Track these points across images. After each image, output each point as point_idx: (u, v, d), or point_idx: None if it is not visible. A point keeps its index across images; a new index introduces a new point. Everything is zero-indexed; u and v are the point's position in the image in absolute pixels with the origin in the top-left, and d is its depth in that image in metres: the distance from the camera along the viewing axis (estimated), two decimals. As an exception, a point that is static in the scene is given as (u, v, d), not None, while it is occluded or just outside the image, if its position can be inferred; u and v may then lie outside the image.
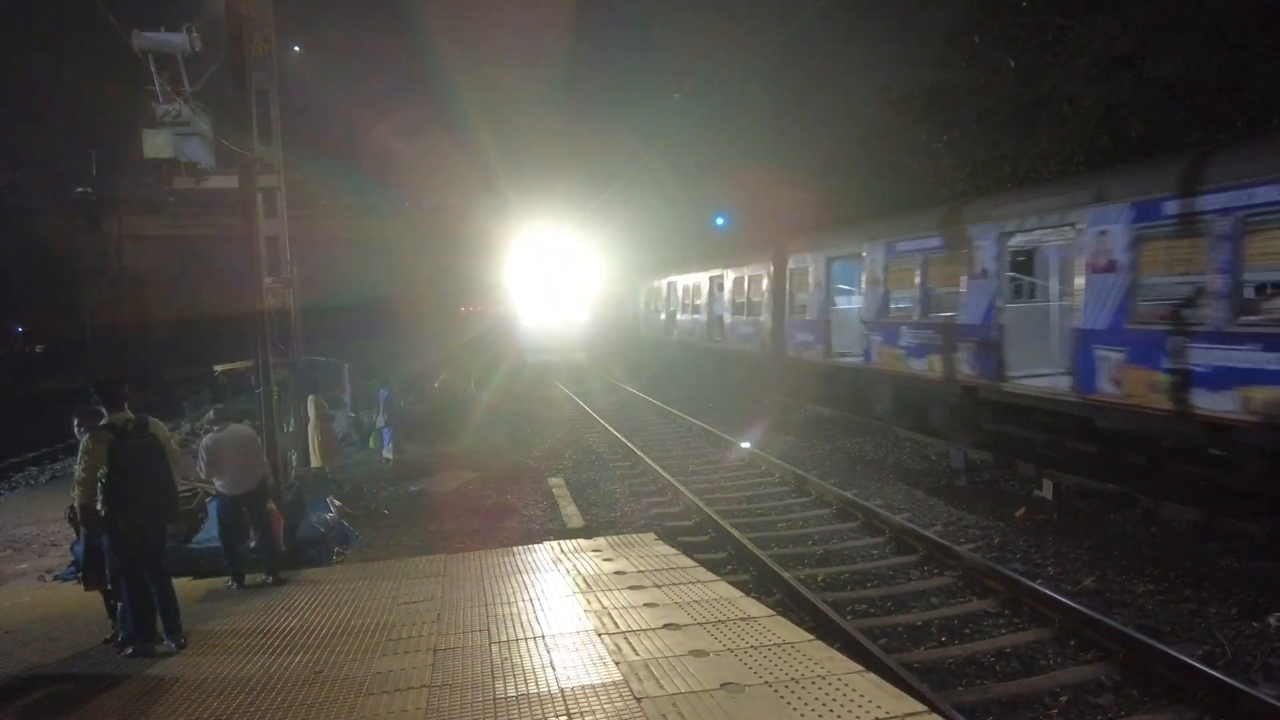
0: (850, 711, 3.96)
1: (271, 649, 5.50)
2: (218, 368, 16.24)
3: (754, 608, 5.66)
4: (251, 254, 7.94)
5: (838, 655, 4.81)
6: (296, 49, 37.73)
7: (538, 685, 4.54)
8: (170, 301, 43.74)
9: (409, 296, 46.04)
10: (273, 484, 7.41)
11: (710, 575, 6.59)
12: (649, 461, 12.71)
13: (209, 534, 8.24)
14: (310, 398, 12.92)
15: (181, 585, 7.44)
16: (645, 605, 5.77)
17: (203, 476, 7.43)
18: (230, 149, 8.65)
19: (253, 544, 7.29)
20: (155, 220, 39.98)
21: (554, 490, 11.68)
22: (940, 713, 4.06)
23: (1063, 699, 5.07)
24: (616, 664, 4.72)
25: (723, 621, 5.34)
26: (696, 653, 4.80)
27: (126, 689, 4.99)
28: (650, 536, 8.19)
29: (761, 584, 7.38)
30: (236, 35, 8.19)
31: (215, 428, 7.12)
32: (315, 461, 12.39)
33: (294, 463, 11.32)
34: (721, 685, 4.33)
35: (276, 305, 10.44)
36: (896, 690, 4.26)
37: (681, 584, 6.27)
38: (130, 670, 5.35)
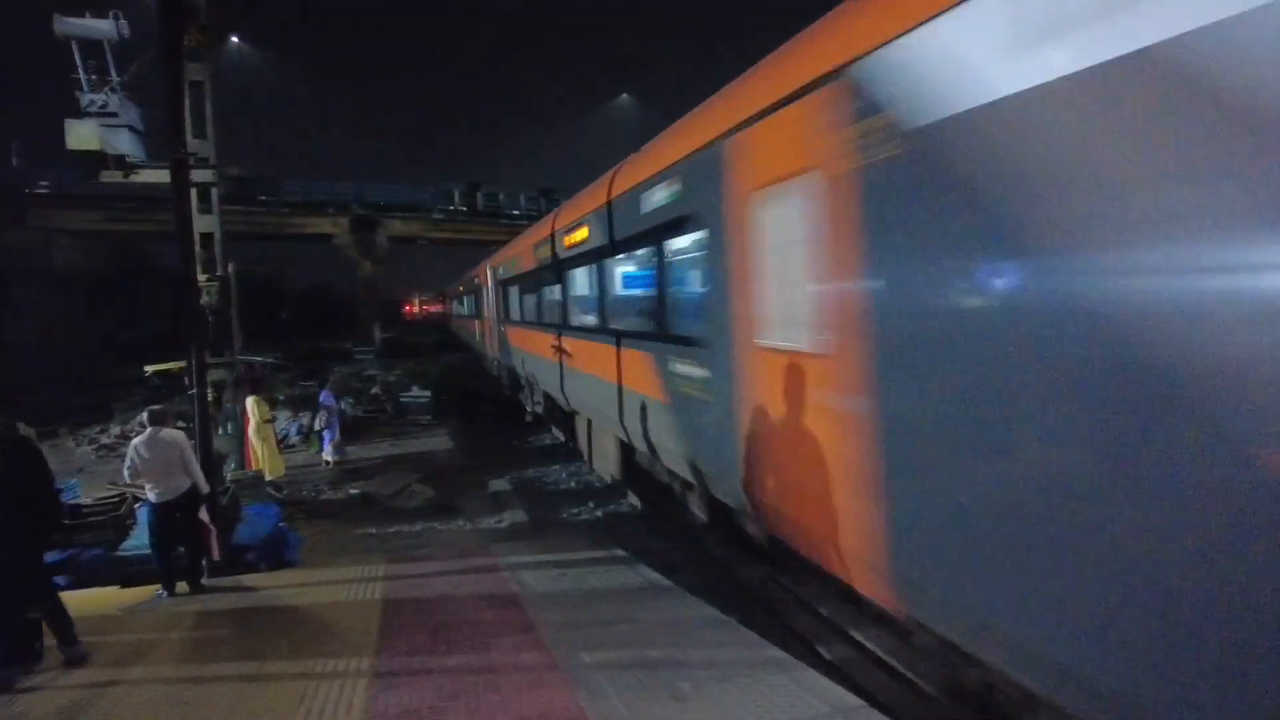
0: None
1: (200, 659, 5.31)
2: (148, 368, 15.67)
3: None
4: (185, 251, 7.65)
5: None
6: (234, 39, 36.76)
7: (479, 693, 4.49)
8: (104, 299, 42.07)
9: (351, 295, 45.15)
10: (206, 491, 7.11)
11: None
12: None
13: (138, 540, 7.94)
14: (250, 399, 12.55)
15: (108, 594, 7.18)
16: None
17: (127, 480, 7.13)
18: (162, 143, 8.35)
19: (183, 550, 7.02)
20: (89, 215, 38.40)
21: (496, 490, 11.59)
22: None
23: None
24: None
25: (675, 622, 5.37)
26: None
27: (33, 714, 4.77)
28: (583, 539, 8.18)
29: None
30: (168, 23, 7.89)
31: (145, 430, 6.81)
32: (265, 471, 12.00)
33: (230, 466, 10.99)
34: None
35: (212, 304, 10.11)
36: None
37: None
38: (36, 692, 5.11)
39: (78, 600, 7.00)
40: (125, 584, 7.40)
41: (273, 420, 13.30)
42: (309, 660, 5.09)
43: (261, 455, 12.23)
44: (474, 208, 52.97)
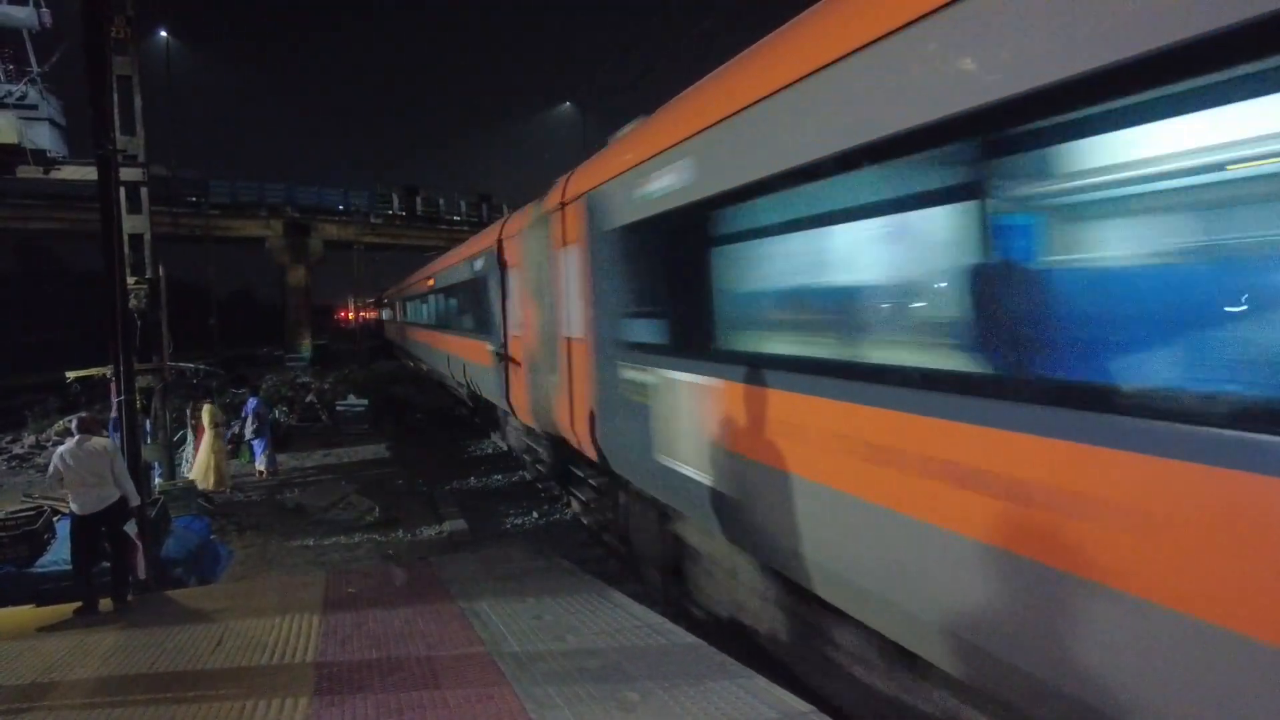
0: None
1: (123, 686, 5.06)
2: (70, 374, 14.93)
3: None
4: (111, 252, 7.32)
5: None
6: (164, 34, 35.41)
7: (426, 708, 4.41)
8: (6, 300, 39.84)
9: (276, 301, 43.86)
10: (137, 503, 6.79)
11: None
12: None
13: (56, 556, 7.54)
14: (205, 407, 12.47)
15: (22, 614, 6.79)
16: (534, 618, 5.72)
17: (50, 491, 6.77)
18: (87, 138, 7.98)
19: (106, 564, 6.69)
20: (-7, 211, 36.28)
21: (437, 501, 11.40)
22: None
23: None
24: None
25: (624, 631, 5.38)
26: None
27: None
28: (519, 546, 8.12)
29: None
30: (93, 13, 7.56)
31: (70, 438, 6.48)
32: (206, 482, 11.81)
33: (157, 476, 10.53)
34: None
35: (140, 307, 9.69)
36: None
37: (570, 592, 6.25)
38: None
39: (-12, 620, 6.62)
40: (40, 603, 7.00)
41: (224, 427, 12.98)
42: (243, 682, 4.91)
43: (208, 465, 12.01)
44: (413, 212, 52.08)
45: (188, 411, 13.27)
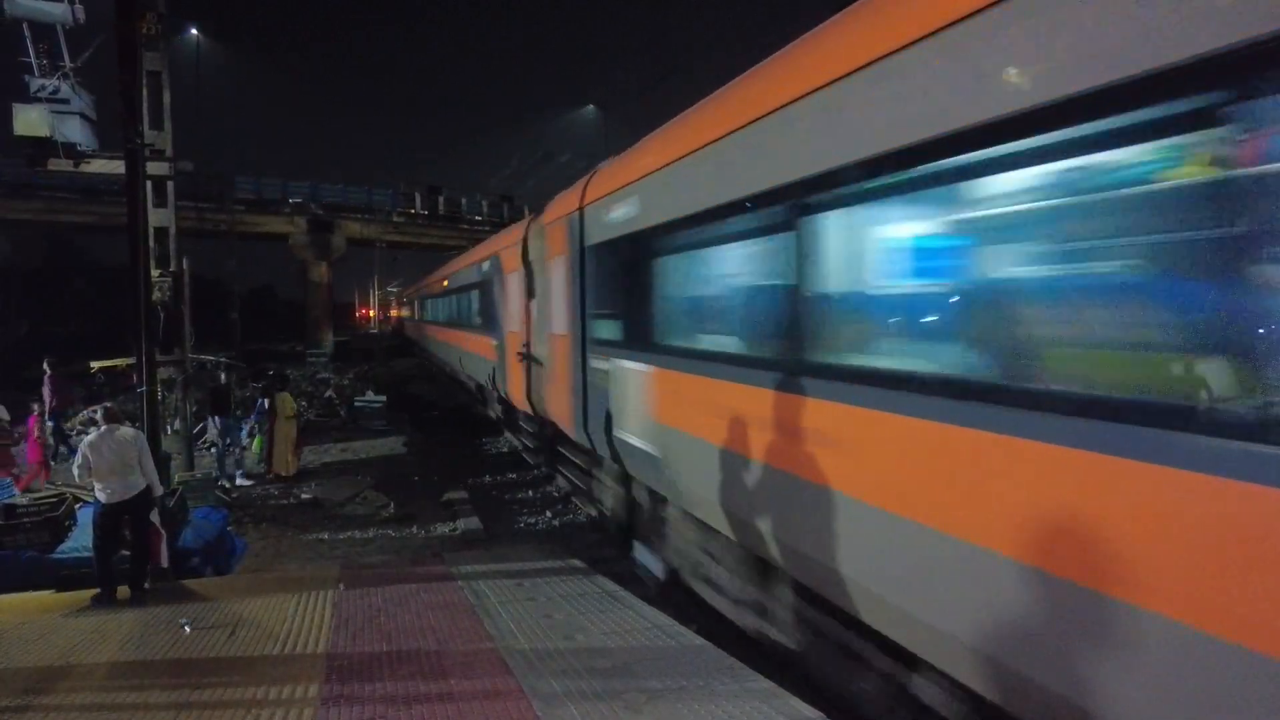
0: (747, 717, 4.04)
1: (139, 671, 5.14)
2: (94, 364, 15.18)
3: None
4: (136, 245, 7.43)
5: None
6: (194, 31, 35.92)
7: (433, 703, 4.44)
8: (34, 293, 40.49)
9: (297, 297, 44.20)
10: (160, 493, 6.89)
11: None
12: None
13: (76, 542, 7.66)
14: (279, 395, 13.25)
15: (43, 599, 6.90)
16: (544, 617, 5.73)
17: (77, 479, 6.88)
18: (116, 132, 8.11)
19: (126, 554, 6.78)
20: (26, 205, 36.89)
21: (451, 498, 11.46)
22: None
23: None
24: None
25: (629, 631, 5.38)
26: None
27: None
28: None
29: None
30: (125, 10, 7.69)
31: (100, 428, 6.57)
32: (284, 468, 12.84)
33: (175, 467, 10.67)
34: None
35: (164, 300, 9.83)
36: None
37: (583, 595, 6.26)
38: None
39: (11, 604, 6.74)
40: (60, 588, 7.12)
41: (297, 416, 13.68)
42: (255, 671, 4.96)
43: (281, 451, 12.95)
44: (435, 212, 52.36)
45: (264, 401, 14.07)
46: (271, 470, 12.96)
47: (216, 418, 12.79)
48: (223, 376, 16.35)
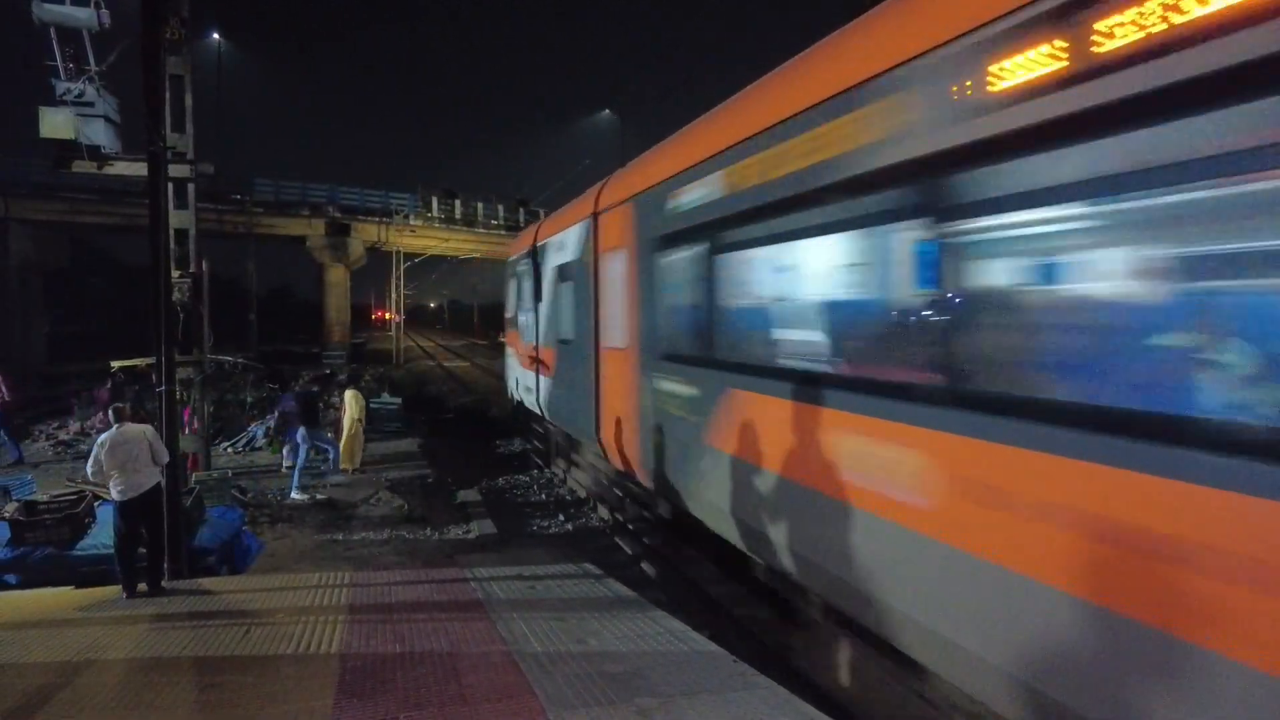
0: None
1: (157, 666, 5.18)
2: (114, 364, 15.35)
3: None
4: (158, 247, 7.52)
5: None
6: (216, 36, 36.35)
7: (445, 705, 4.44)
8: (56, 293, 40.93)
9: (322, 297, 44.49)
10: (166, 460, 6.98)
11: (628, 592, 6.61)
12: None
13: (95, 539, 7.73)
14: (349, 393, 13.96)
15: (62, 595, 6.98)
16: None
17: (90, 478, 6.96)
18: (138, 135, 8.22)
19: (143, 551, 6.85)
20: (51, 206, 37.40)
21: (465, 500, 11.48)
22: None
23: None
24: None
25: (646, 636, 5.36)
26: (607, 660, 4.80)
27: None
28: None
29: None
30: (149, 15, 7.79)
31: (111, 428, 6.66)
32: (348, 463, 13.43)
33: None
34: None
35: (183, 300, 9.93)
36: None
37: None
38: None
39: (32, 600, 6.82)
40: (79, 585, 7.19)
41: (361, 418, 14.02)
42: (269, 670, 4.99)
43: (349, 447, 13.52)
44: (451, 215, 52.59)
45: (332, 397, 14.58)
46: (345, 467, 13.48)
47: (302, 429, 12.59)
48: (314, 387, 16.24)
